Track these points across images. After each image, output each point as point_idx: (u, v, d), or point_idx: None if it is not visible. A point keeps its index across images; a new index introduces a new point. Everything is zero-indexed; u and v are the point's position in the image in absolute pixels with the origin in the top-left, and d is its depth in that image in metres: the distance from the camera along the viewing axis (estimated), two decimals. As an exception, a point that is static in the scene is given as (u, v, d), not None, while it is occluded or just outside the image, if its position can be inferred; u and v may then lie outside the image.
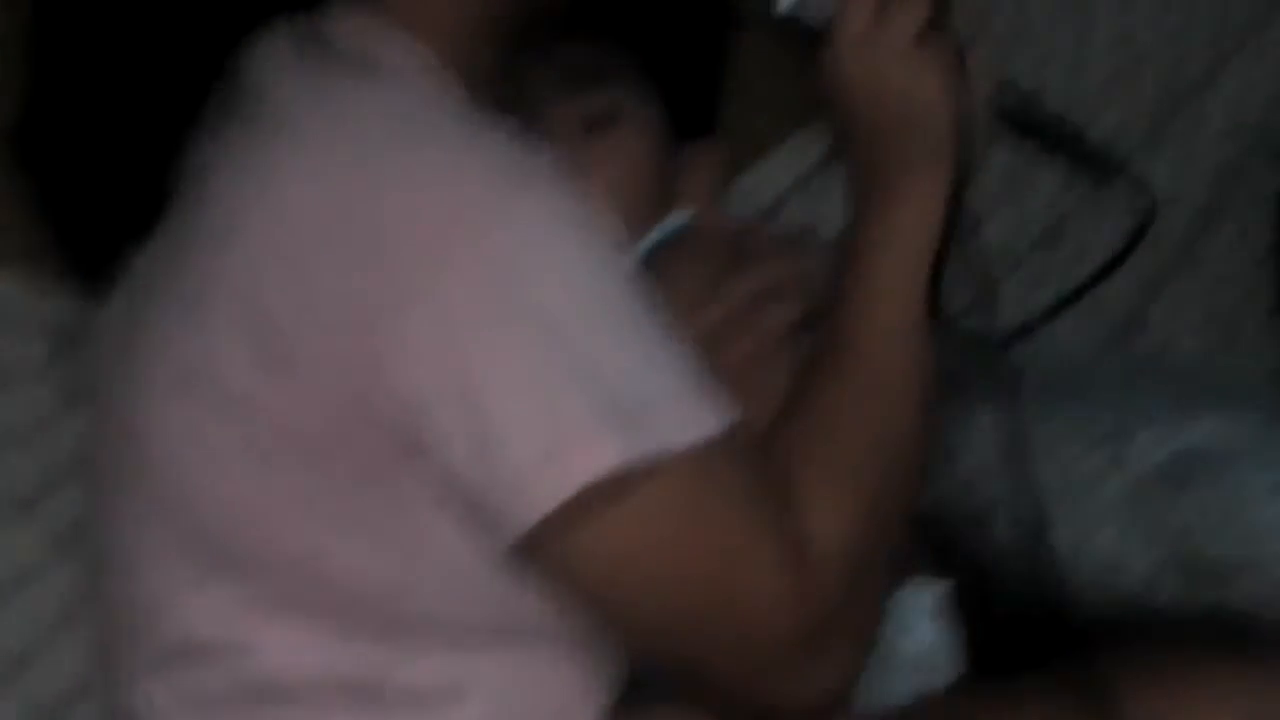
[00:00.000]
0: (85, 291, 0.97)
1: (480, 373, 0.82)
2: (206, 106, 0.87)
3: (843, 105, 0.93)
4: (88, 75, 0.91)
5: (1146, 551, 1.34)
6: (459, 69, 0.90)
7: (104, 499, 1.00)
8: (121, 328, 0.95)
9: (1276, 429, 1.39)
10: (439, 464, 0.82)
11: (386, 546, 0.88)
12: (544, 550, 0.82)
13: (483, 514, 0.83)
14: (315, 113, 0.88)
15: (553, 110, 1.10)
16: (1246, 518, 1.33)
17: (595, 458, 0.80)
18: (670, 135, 1.14)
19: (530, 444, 0.81)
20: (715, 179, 1.21)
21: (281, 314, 0.84)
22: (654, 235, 1.13)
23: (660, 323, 0.87)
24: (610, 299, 0.87)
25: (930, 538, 1.12)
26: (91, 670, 1.12)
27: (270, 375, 0.84)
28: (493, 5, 0.93)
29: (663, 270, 1.09)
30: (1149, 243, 1.43)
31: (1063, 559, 1.12)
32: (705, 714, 0.91)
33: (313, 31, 0.87)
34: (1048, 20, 1.61)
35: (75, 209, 0.94)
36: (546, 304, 0.84)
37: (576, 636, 0.88)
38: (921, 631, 1.10)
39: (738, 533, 0.87)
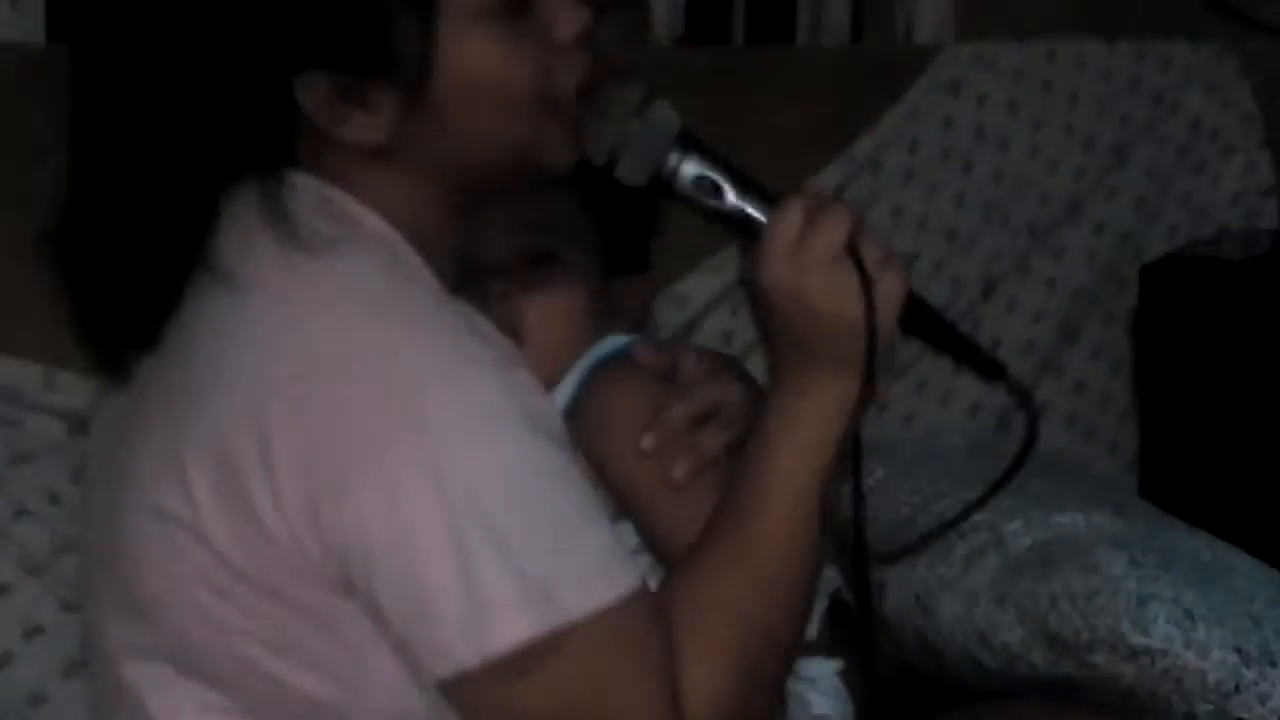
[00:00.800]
0: (100, 382, 1.07)
1: (417, 543, 0.89)
2: (195, 249, 0.95)
3: (764, 300, 0.99)
4: (109, 203, 0.98)
5: (1014, 625, 1.37)
6: (412, 233, 0.97)
7: (88, 579, 1.07)
8: (116, 425, 1.02)
9: (1130, 516, 1.45)
10: (372, 606, 0.90)
11: (330, 673, 0.94)
12: (459, 696, 0.91)
13: (409, 657, 0.91)
14: (282, 287, 0.94)
15: (503, 261, 1.15)
16: (1109, 599, 1.35)
17: (507, 633, 0.87)
18: (604, 271, 1.21)
19: (452, 615, 0.88)
20: (645, 304, 1.27)
21: (244, 465, 0.90)
22: (591, 357, 1.17)
23: (577, 496, 0.95)
24: (530, 488, 0.93)
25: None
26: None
27: (228, 518, 0.91)
28: (434, 191, 0.99)
29: (602, 391, 1.15)
30: (1021, 354, 1.54)
31: (931, 638, 1.40)
32: None
33: (278, 206, 0.93)
34: (937, 161, 1.75)
35: (96, 312, 1.01)
36: (478, 492, 0.90)
37: None
38: (821, 705, 1.17)
39: (626, 689, 0.94)
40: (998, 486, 1.07)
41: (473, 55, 0.95)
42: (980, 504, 1.11)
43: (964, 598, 1.41)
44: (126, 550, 0.99)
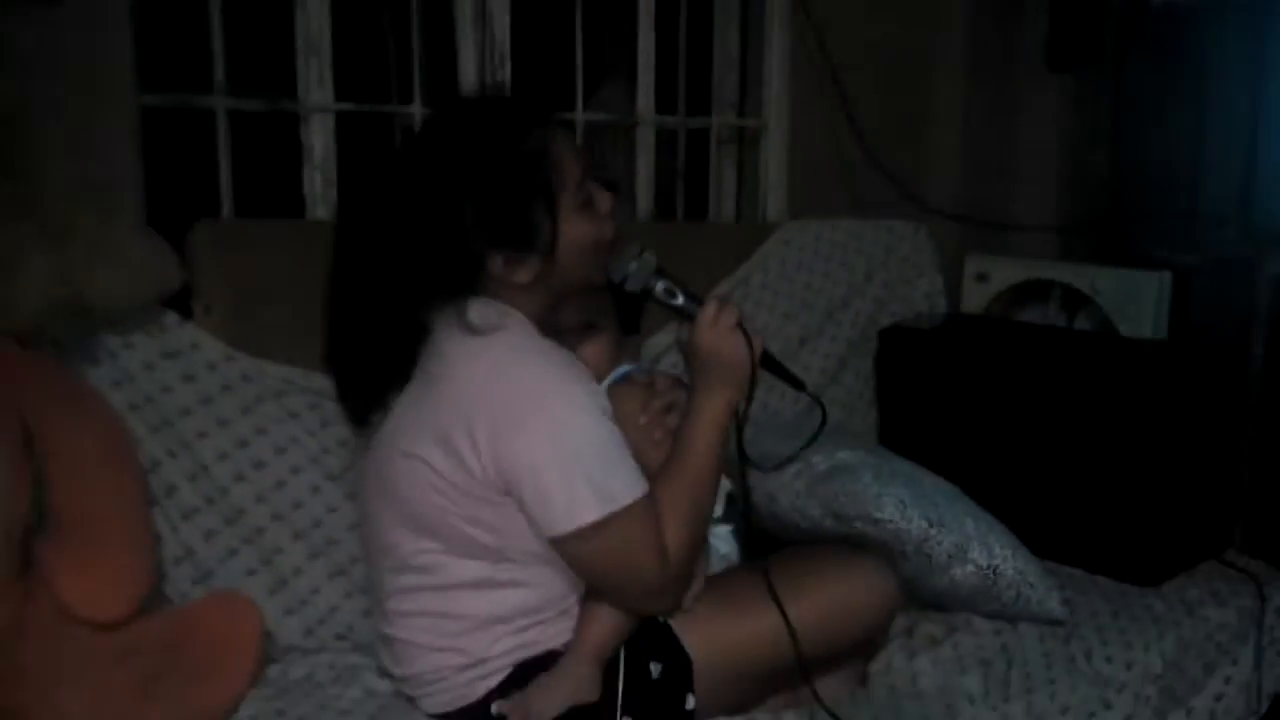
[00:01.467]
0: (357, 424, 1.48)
1: (542, 467, 1.33)
2: (415, 348, 1.38)
3: (694, 352, 1.46)
4: (354, 330, 1.42)
5: (817, 508, 1.76)
6: (535, 320, 1.43)
7: (370, 499, 1.49)
8: (388, 428, 1.44)
9: (875, 453, 1.87)
10: (518, 499, 1.35)
11: (494, 531, 1.40)
12: (559, 545, 1.36)
13: (534, 527, 1.36)
14: (470, 351, 1.37)
15: (573, 327, 1.55)
16: (863, 494, 1.73)
17: (588, 514, 1.33)
18: (619, 333, 1.65)
19: (559, 503, 1.34)
20: (639, 348, 1.75)
21: (455, 431, 1.34)
22: (612, 377, 1.60)
23: (617, 437, 1.37)
24: (595, 437, 1.36)
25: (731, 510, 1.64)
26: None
27: (445, 458, 1.36)
28: (547, 299, 1.44)
29: (617, 395, 1.51)
30: (820, 375, 2.25)
31: (776, 513, 1.76)
32: (618, 619, 1.45)
33: (463, 314, 1.38)
34: (779, 279, 2.32)
35: (353, 389, 1.47)
36: (568, 437, 1.34)
37: (569, 573, 1.42)
38: (724, 545, 1.65)
39: (643, 549, 1.39)
40: (810, 440, 1.66)
41: (574, 233, 1.43)
42: (803, 449, 1.70)
43: (791, 495, 1.78)
44: (393, 473, 1.42)
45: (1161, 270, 2.29)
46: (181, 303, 1.75)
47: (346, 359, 1.44)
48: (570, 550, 1.37)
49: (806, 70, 2.48)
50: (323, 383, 1.70)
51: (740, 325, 1.45)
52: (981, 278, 2.56)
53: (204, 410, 1.72)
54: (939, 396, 2.28)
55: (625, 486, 1.35)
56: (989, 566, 1.75)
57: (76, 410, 1.53)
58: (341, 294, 1.41)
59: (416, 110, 2.15)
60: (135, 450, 1.61)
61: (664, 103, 2.42)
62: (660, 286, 1.48)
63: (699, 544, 1.47)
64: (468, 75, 2.18)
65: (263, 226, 1.92)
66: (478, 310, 1.39)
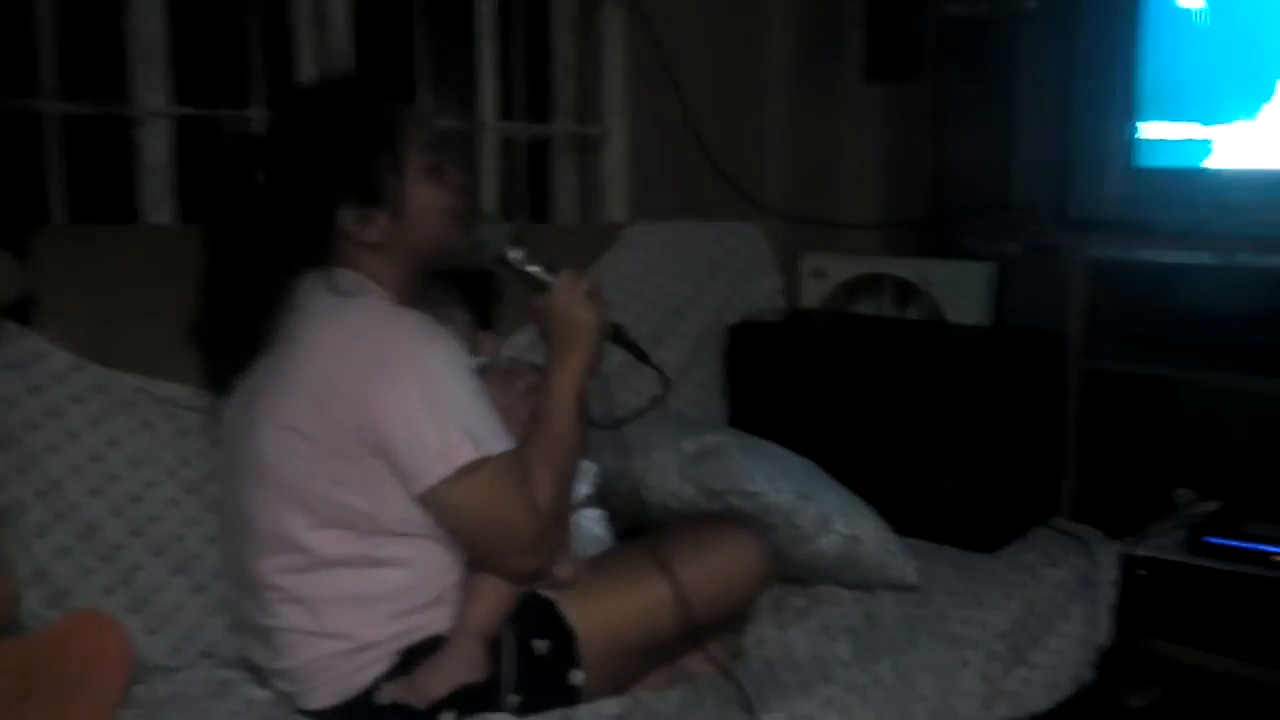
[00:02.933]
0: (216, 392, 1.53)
1: (416, 418, 1.37)
2: (280, 311, 1.43)
3: (550, 320, 1.53)
4: (222, 302, 1.48)
5: (690, 488, 1.84)
6: (396, 294, 1.48)
7: (236, 483, 1.50)
8: (239, 399, 1.49)
9: (738, 435, 1.95)
10: (390, 458, 1.36)
11: (367, 495, 1.41)
12: (432, 497, 1.38)
13: (407, 482, 1.37)
14: (329, 309, 1.43)
15: (433, 310, 1.53)
16: (734, 470, 1.82)
17: (461, 455, 1.37)
18: (474, 328, 1.72)
19: (432, 448, 1.37)
20: (496, 341, 1.77)
21: (322, 388, 1.38)
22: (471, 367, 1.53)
23: (485, 393, 1.44)
24: (466, 389, 1.42)
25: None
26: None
27: (316, 417, 1.38)
28: (403, 268, 1.49)
29: (486, 380, 1.54)
30: (674, 366, 2.20)
31: (646, 498, 1.82)
32: (500, 579, 1.48)
33: (329, 279, 1.45)
34: (631, 273, 2.34)
35: (218, 357, 1.52)
36: (439, 386, 1.38)
37: (446, 539, 1.43)
38: (598, 528, 1.72)
39: (514, 500, 1.43)
40: (654, 403, 1.68)
41: (423, 196, 1.50)
42: (640, 413, 1.69)
43: (661, 478, 1.86)
44: (261, 447, 1.44)
45: (986, 261, 2.47)
46: (20, 313, 1.69)
47: (211, 327, 1.47)
48: (443, 501, 1.39)
49: (645, 78, 2.56)
50: (178, 391, 1.70)
51: (594, 294, 1.53)
52: (818, 274, 2.68)
53: (53, 423, 1.66)
54: (786, 386, 2.38)
55: (495, 436, 1.41)
56: (851, 535, 1.82)
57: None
58: (209, 264, 1.45)
59: (255, 114, 2.14)
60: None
61: (509, 108, 2.48)
62: (517, 254, 1.55)
63: (566, 502, 1.52)
64: (306, 80, 2.18)
65: (110, 232, 1.88)
66: (340, 278, 1.45)
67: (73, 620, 1.54)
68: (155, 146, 2.01)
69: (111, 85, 1.97)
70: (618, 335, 1.60)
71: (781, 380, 2.39)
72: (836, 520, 1.82)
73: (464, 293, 1.71)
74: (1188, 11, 2.20)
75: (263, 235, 1.44)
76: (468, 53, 2.41)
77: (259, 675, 1.55)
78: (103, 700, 1.46)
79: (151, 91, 2.00)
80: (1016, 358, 2.27)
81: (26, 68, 1.88)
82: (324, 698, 1.46)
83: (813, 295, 2.70)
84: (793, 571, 1.84)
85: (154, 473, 1.71)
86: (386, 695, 1.42)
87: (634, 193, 2.60)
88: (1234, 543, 2.12)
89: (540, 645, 1.49)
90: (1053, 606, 2.02)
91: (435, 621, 1.46)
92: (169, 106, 2.02)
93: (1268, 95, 2.11)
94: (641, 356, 1.64)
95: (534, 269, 1.56)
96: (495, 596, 1.48)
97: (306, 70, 2.18)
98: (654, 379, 1.67)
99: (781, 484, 1.77)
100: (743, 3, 2.76)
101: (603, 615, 1.52)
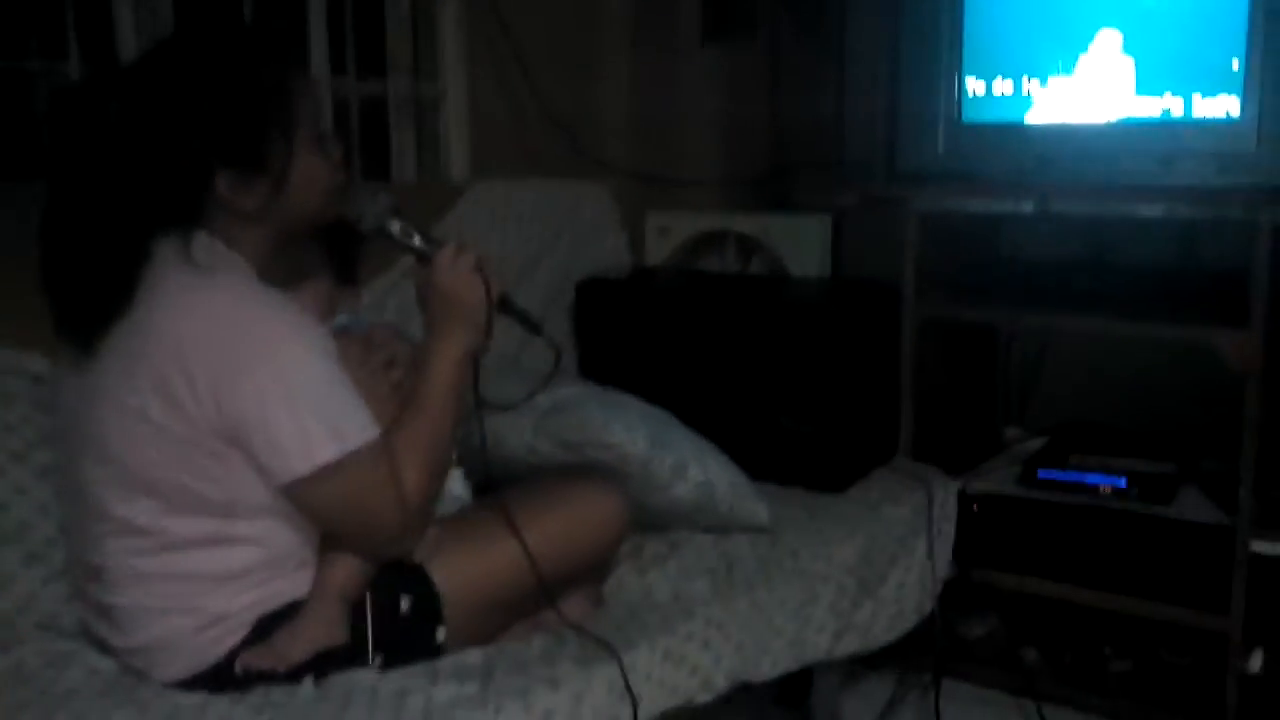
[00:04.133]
0: (62, 358, 1.40)
1: (270, 410, 1.30)
2: (135, 275, 1.31)
3: (432, 293, 1.46)
4: (70, 252, 1.34)
5: (547, 442, 1.83)
6: (256, 262, 1.41)
7: (73, 461, 1.42)
8: (79, 375, 1.37)
9: (589, 388, 1.96)
10: (246, 448, 1.30)
11: (221, 485, 1.35)
12: (292, 492, 1.34)
13: (265, 474, 1.32)
14: (185, 289, 1.33)
15: (284, 275, 1.48)
16: (590, 422, 1.81)
17: (322, 454, 1.31)
18: (335, 282, 1.62)
19: (292, 444, 1.31)
20: (356, 299, 1.68)
21: (172, 379, 1.29)
22: (333, 326, 1.54)
23: (347, 380, 1.36)
24: (326, 378, 1.34)
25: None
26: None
27: (163, 407, 1.30)
28: (271, 237, 1.42)
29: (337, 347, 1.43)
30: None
31: (505, 455, 1.75)
32: (359, 560, 1.44)
33: (185, 249, 1.34)
34: (479, 233, 2.35)
35: (74, 314, 1.37)
36: (297, 379, 1.32)
37: (303, 522, 1.39)
38: (457, 486, 1.68)
39: (379, 494, 1.37)
40: (547, 380, 1.74)
41: (308, 168, 1.42)
42: (533, 394, 1.77)
43: (518, 433, 1.84)
44: (103, 429, 1.36)
45: (822, 214, 2.54)
46: None
47: (64, 282, 1.36)
48: (305, 496, 1.34)
49: (482, 37, 2.54)
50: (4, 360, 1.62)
51: (480, 268, 1.47)
52: (662, 231, 2.72)
53: None
54: (635, 341, 2.41)
55: (358, 428, 1.35)
56: (706, 481, 1.85)
57: None
58: (59, 210, 1.34)
59: (74, 68, 2.03)
60: None
61: (340, 62, 2.39)
62: (397, 226, 1.49)
63: (439, 488, 1.48)
64: (124, 32, 2.08)
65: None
66: (200, 246, 1.36)
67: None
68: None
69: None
70: (505, 305, 1.54)
71: (630, 335, 2.42)
72: (692, 468, 1.84)
73: (325, 248, 1.63)
74: (1010, -28, 2.25)
75: (126, 188, 1.33)
76: (296, 2, 2.32)
77: (104, 647, 1.49)
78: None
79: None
80: (853, 307, 2.34)
81: None
82: (178, 670, 1.41)
83: (658, 253, 2.74)
84: (650, 519, 1.86)
85: (-22, 444, 1.60)
86: (243, 665, 1.39)
87: (475, 149, 2.58)
88: (1065, 475, 2.21)
89: (405, 603, 1.47)
90: (896, 542, 2.10)
91: (292, 588, 1.42)
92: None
93: (1083, 50, 2.21)
94: (533, 329, 1.60)
95: (415, 242, 1.50)
96: (355, 563, 1.45)
97: (124, 24, 2.08)
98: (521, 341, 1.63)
99: (638, 434, 1.77)
100: (581, -40, 2.73)
101: (465, 573, 1.50)
